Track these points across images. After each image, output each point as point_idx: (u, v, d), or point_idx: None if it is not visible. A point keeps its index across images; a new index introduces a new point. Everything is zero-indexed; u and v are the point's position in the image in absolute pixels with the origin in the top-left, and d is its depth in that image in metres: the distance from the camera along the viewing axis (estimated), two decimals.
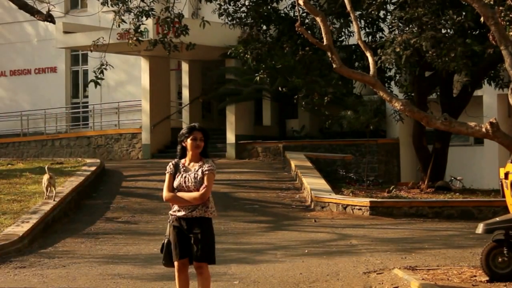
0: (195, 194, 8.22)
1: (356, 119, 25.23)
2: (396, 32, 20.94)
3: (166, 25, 21.37)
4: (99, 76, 21.15)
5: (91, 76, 23.17)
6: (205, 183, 8.23)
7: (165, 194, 8.35)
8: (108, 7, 21.77)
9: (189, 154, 8.37)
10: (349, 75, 11.66)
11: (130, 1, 21.48)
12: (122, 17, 21.03)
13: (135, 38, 21.42)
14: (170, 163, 8.43)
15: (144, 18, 21.64)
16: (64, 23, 31.10)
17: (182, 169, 8.35)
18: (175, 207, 8.36)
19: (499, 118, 23.54)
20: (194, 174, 8.28)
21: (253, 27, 23.48)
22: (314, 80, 24.54)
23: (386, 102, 13.96)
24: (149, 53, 29.45)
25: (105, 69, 21.40)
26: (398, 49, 19.55)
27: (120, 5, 21.25)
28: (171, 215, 8.39)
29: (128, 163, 29.76)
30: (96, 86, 21.65)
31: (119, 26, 21.16)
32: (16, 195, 19.57)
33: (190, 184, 8.26)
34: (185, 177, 8.30)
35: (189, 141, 8.33)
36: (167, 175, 8.37)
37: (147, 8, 21.51)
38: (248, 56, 23.22)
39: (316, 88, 24.42)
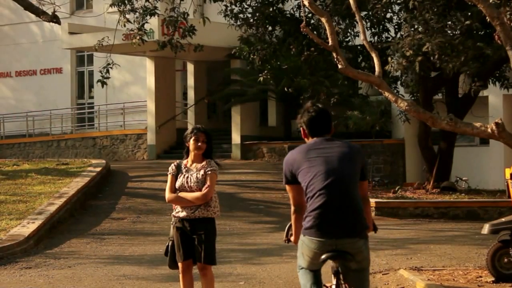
0: (197, 194, 8.22)
1: (362, 119, 25.18)
2: (403, 33, 20.84)
3: (171, 26, 21.38)
4: (105, 75, 21.15)
5: (96, 77, 23.16)
6: (208, 183, 8.23)
7: (168, 195, 8.36)
8: (117, 7, 21.74)
9: (191, 154, 8.39)
10: (354, 76, 11.62)
11: (136, 1, 21.49)
12: (127, 17, 21.02)
13: (138, 37, 21.41)
14: (172, 164, 8.45)
15: (148, 17, 21.63)
16: (69, 24, 31.10)
17: (184, 170, 8.36)
18: (178, 208, 8.35)
19: (504, 118, 23.48)
20: (196, 174, 8.29)
21: (259, 28, 23.43)
22: (319, 81, 24.51)
23: (392, 103, 13.91)
24: (155, 54, 29.47)
25: (111, 67, 21.41)
26: (408, 54, 19.36)
27: (126, 3, 21.24)
28: (174, 216, 8.39)
29: (133, 163, 29.77)
30: (103, 86, 21.66)
31: (124, 26, 21.17)
32: (22, 196, 19.60)
33: (192, 184, 8.26)
34: (187, 177, 8.30)
35: (191, 141, 8.35)
36: (169, 176, 8.39)
37: (151, 7, 21.49)
38: (254, 57, 23.17)
39: (322, 89, 24.39)
